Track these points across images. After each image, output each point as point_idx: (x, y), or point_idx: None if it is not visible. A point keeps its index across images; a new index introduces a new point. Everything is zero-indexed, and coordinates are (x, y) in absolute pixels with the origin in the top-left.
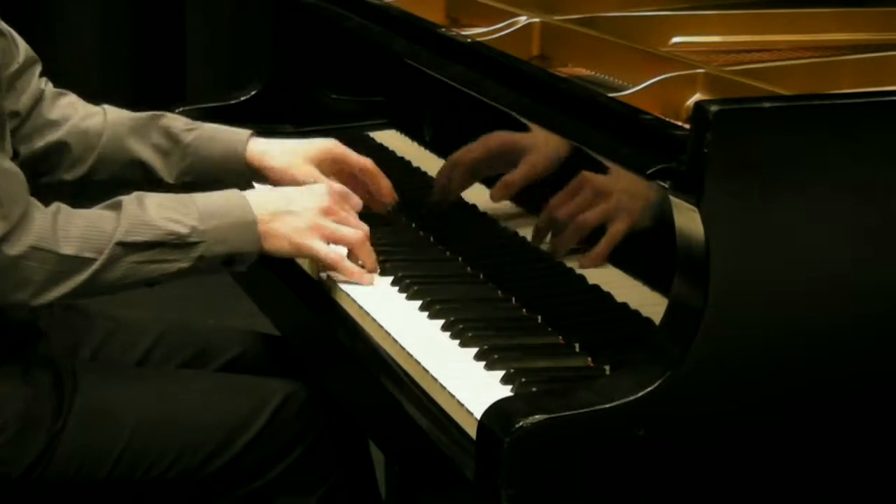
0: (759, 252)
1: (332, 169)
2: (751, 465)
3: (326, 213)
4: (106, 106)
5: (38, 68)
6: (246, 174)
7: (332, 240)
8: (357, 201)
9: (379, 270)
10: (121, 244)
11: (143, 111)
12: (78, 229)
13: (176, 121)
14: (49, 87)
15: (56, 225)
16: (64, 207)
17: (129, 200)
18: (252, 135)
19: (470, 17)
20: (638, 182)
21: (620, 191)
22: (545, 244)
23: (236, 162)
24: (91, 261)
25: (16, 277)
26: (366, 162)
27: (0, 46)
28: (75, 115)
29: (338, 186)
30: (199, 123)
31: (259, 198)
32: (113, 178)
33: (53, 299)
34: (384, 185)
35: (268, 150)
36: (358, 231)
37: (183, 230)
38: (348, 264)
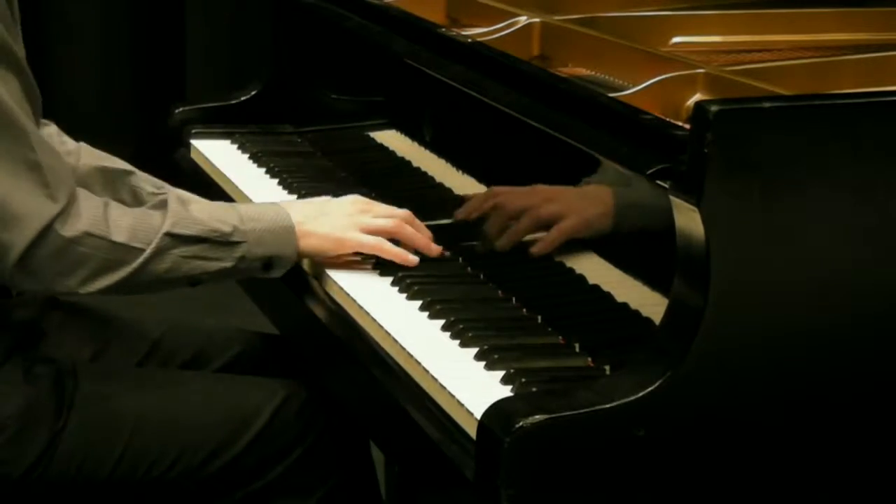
0: (759, 252)
1: None
2: (751, 465)
3: (360, 211)
4: (82, 145)
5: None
6: None
7: (370, 231)
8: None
9: (435, 252)
10: (169, 235)
11: (117, 166)
12: (128, 219)
13: (144, 182)
14: None
15: (108, 214)
16: (112, 201)
17: (173, 199)
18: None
19: (470, 17)
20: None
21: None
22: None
23: None
24: (140, 251)
25: (68, 261)
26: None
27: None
28: None
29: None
30: (167, 188)
31: (293, 205)
32: None
33: (101, 288)
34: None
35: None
36: (393, 219)
37: (226, 228)
38: (390, 247)
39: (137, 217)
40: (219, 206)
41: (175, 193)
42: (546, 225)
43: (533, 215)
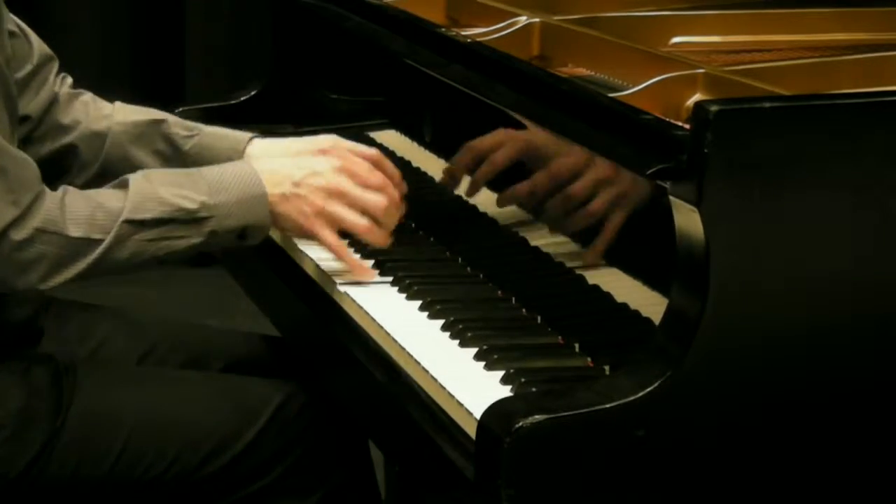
0: (758, 252)
1: None
2: (751, 466)
3: (334, 194)
4: (117, 105)
5: (54, 67)
6: None
7: (337, 226)
8: (364, 165)
9: (390, 242)
10: (128, 222)
11: (149, 117)
12: (86, 209)
13: (177, 126)
14: (65, 88)
15: (64, 207)
16: (71, 189)
17: (135, 177)
18: (252, 138)
19: (470, 17)
20: (637, 180)
21: (622, 184)
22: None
23: None
24: (99, 241)
25: (22, 261)
26: (371, 154)
27: (12, 46)
28: (86, 118)
29: (364, 149)
30: (199, 128)
31: (268, 171)
32: None
33: (63, 281)
34: (394, 174)
35: (267, 153)
36: (364, 220)
37: (191, 206)
38: (349, 257)
39: (97, 202)
40: (187, 178)
41: (142, 171)
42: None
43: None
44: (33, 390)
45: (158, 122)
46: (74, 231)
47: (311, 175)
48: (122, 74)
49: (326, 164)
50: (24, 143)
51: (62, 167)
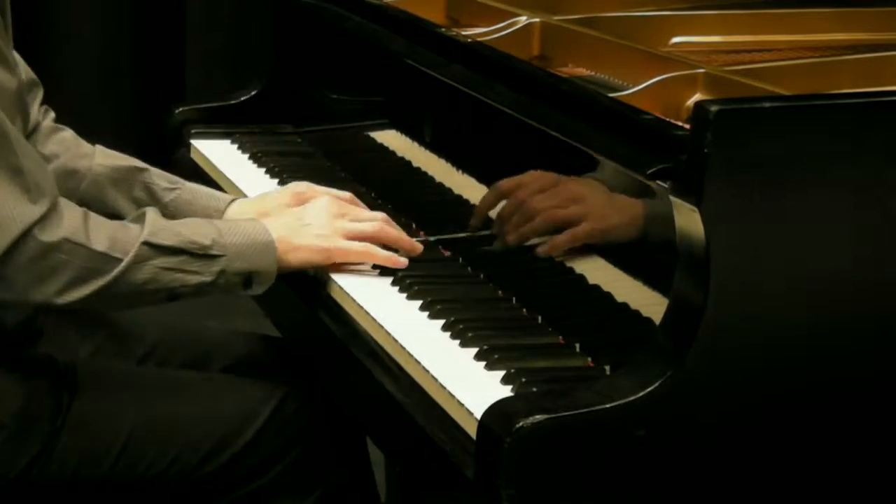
0: (759, 252)
1: None
2: (751, 465)
3: (338, 216)
4: (98, 147)
5: (39, 94)
6: None
7: (353, 238)
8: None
9: (417, 250)
10: (147, 244)
11: (131, 164)
12: (107, 229)
13: (159, 178)
14: (47, 121)
15: (88, 221)
16: (91, 213)
17: (151, 210)
18: (232, 201)
19: (470, 17)
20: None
21: (602, 201)
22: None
23: None
24: (118, 260)
25: (45, 268)
26: (346, 195)
27: None
28: (65, 153)
29: (337, 192)
30: (181, 184)
31: (271, 221)
32: None
33: (77, 299)
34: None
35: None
36: (375, 222)
37: (205, 241)
38: (379, 251)
39: (116, 228)
40: (198, 221)
41: (155, 207)
42: (561, 227)
43: (549, 216)
44: (33, 391)
45: (140, 171)
46: (98, 245)
47: (312, 209)
48: (123, 74)
49: (320, 201)
50: None
51: None
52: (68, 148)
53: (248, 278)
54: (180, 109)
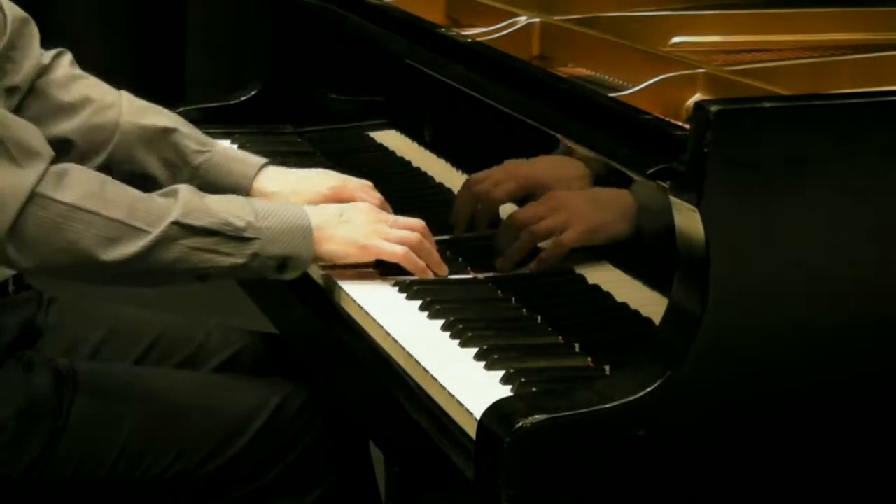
0: (759, 252)
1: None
2: (751, 465)
3: (379, 220)
4: (124, 96)
5: (34, 33)
6: None
7: (392, 241)
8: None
9: (444, 272)
10: (178, 224)
11: (161, 125)
12: (126, 199)
13: (188, 139)
14: (64, 67)
15: (104, 190)
16: (112, 180)
17: (185, 188)
18: (264, 165)
19: (470, 17)
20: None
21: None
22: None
23: (241, 194)
24: (141, 231)
25: (62, 236)
26: (374, 202)
27: None
28: (89, 106)
29: (369, 185)
30: (211, 145)
31: (312, 208)
32: (120, 179)
33: (116, 260)
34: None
35: (274, 191)
36: (415, 233)
37: (240, 223)
38: (418, 260)
39: (139, 198)
40: (235, 200)
41: (190, 185)
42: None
43: (533, 231)
44: (34, 392)
45: (170, 132)
46: (114, 213)
47: (353, 208)
48: (123, 74)
49: (361, 205)
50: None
51: (68, 149)
52: (92, 99)
53: (282, 263)
54: (180, 109)
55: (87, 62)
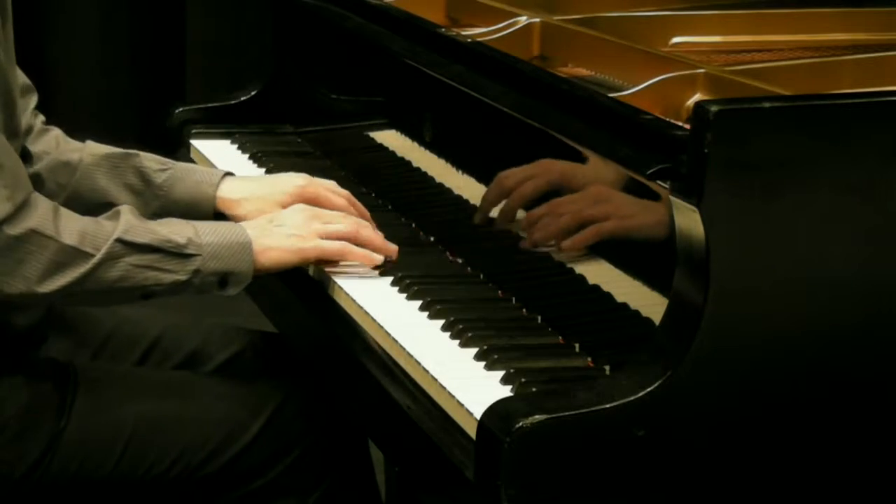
0: (759, 252)
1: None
2: (751, 465)
3: (312, 218)
4: (89, 142)
5: (33, 101)
6: (213, 216)
7: (328, 236)
8: (341, 201)
9: (392, 252)
10: (120, 241)
11: (122, 150)
12: (78, 224)
13: (149, 161)
14: (38, 123)
15: (58, 216)
16: (63, 208)
17: (127, 209)
18: (224, 176)
19: (470, 17)
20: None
21: (620, 200)
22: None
23: (206, 206)
24: (90, 255)
25: (15, 261)
26: (341, 201)
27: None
28: (55, 150)
29: (334, 185)
30: (172, 164)
31: (248, 223)
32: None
33: (54, 290)
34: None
35: (238, 198)
36: (349, 222)
37: (180, 239)
38: (355, 249)
39: (88, 223)
40: (175, 220)
41: (129, 206)
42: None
43: (576, 217)
44: (36, 392)
45: (130, 156)
46: (67, 239)
47: (285, 213)
48: (123, 74)
49: (293, 207)
50: None
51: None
52: (59, 145)
53: (223, 279)
54: (180, 109)
55: (88, 62)
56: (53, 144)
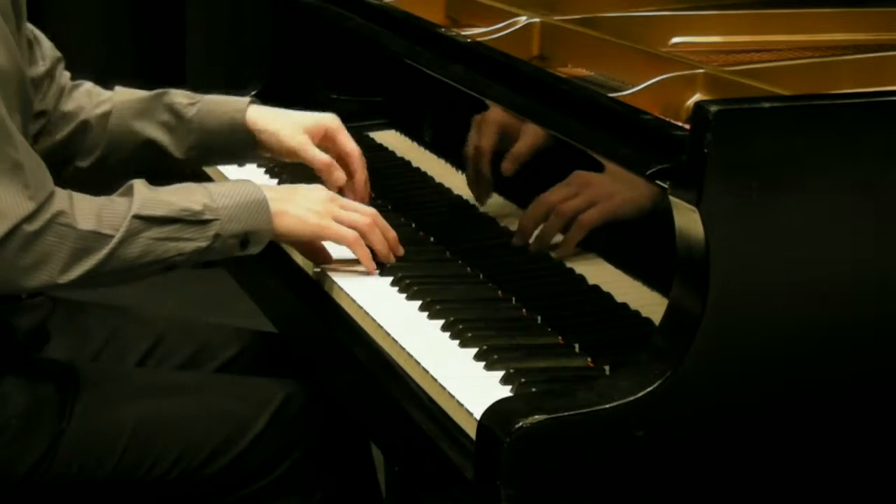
0: (758, 252)
1: (323, 144)
2: (751, 465)
3: (332, 200)
4: (117, 88)
5: (62, 65)
6: (250, 142)
7: (342, 222)
8: (355, 148)
9: (392, 260)
10: (138, 217)
11: (150, 91)
12: (94, 207)
13: (179, 96)
14: (66, 80)
15: (73, 203)
16: (76, 193)
17: (139, 183)
18: (252, 101)
19: (470, 17)
20: (628, 180)
21: (608, 185)
22: (532, 242)
23: (239, 131)
24: (109, 237)
25: (37, 254)
26: (352, 149)
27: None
28: (88, 104)
29: (356, 148)
30: (199, 97)
31: (267, 185)
32: (125, 160)
33: (78, 277)
34: (360, 178)
35: (265, 115)
36: (367, 217)
37: (196, 206)
38: (363, 246)
39: (103, 204)
40: (188, 187)
41: (143, 181)
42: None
43: (561, 211)
44: (38, 392)
45: (160, 95)
46: (85, 224)
47: (306, 188)
48: (123, 74)
49: (315, 186)
50: (37, 137)
51: (68, 153)
52: (91, 98)
53: (244, 239)
54: None
55: (88, 62)
56: (86, 99)
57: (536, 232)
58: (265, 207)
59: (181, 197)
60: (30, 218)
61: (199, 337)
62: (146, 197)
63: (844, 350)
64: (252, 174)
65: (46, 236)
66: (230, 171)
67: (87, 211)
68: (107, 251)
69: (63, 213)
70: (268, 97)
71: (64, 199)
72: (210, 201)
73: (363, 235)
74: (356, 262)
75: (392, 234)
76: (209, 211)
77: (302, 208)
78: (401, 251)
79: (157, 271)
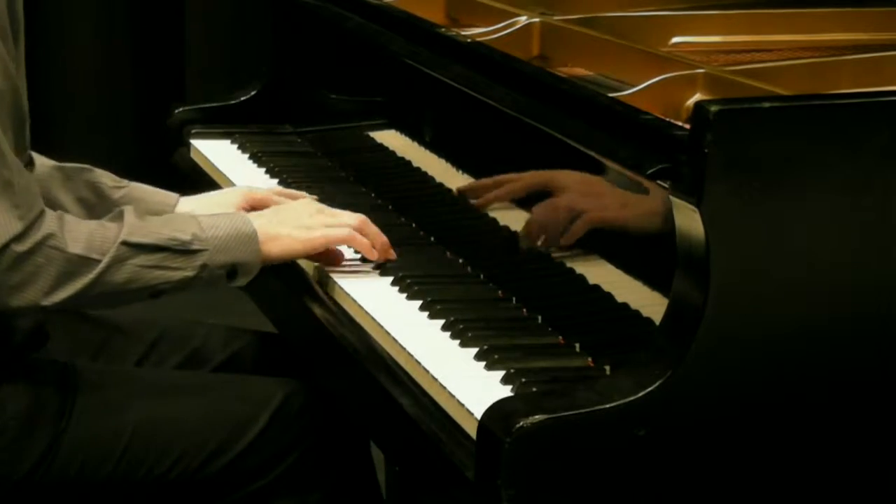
0: (759, 252)
1: (254, 207)
2: (751, 465)
3: (317, 212)
4: (33, 154)
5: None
6: None
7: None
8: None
9: (392, 256)
10: (126, 244)
11: (74, 164)
12: (85, 230)
13: (104, 177)
14: None
15: (63, 225)
16: (67, 214)
17: (129, 209)
18: (180, 197)
19: (470, 17)
20: (628, 181)
21: (607, 186)
22: (533, 244)
23: None
24: (96, 262)
25: (24, 274)
26: (270, 191)
27: None
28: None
29: (303, 194)
30: (126, 182)
31: (252, 214)
32: None
33: (59, 301)
34: (292, 195)
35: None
36: (355, 217)
37: (185, 236)
38: (359, 236)
39: (93, 229)
40: (178, 216)
41: (132, 206)
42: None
43: (562, 216)
44: (37, 393)
45: (83, 170)
46: (74, 248)
47: (289, 206)
48: (122, 74)
49: (297, 202)
50: None
51: None
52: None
53: (231, 270)
54: (180, 109)
55: (88, 62)
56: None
57: (538, 233)
58: (254, 239)
59: (171, 226)
60: (19, 238)
61: (199, 337)
62: (135, 224)
63: (845, 350)
64: (252, 174)
65: (35, 257)
66: (230, 171)
67: (77, 234)
68: (93, 276)
69: (53, 236)
70: (268, 97)
71: (54, 220)
72: (199, 231)
73: (357, 230)
74: (356, 262)
75: (383, 236)
76: (198, 241)
77: (291, 226)
78: (392, 255)
79: (142, 298)
